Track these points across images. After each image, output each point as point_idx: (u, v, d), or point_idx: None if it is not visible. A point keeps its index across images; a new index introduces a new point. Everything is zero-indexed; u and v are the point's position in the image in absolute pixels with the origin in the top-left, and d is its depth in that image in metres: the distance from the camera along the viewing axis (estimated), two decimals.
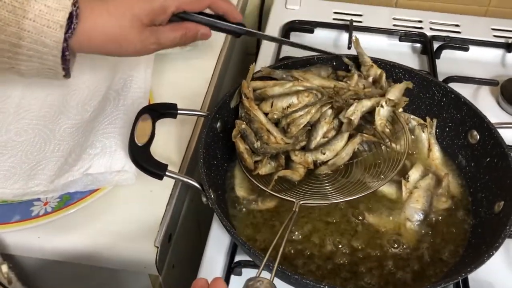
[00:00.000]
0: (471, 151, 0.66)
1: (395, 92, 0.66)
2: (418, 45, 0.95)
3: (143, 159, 0.56)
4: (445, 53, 0.93)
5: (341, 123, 0.64)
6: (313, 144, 0.64)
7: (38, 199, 0.61)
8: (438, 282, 0.50)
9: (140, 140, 0.57)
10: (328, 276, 0.56)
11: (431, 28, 0.99)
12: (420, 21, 1.01)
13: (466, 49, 0.92)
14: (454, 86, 0.84)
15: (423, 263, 0.58)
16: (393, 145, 0.66)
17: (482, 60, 0.94)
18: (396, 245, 0.59)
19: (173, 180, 0.65)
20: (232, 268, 0.60)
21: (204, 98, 0.76)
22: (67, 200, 0.61)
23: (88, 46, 0.56)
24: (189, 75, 0.80)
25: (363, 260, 0.57)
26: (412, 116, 0.71)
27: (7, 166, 0.64)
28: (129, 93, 0.69)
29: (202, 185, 0.57)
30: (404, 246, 0.59)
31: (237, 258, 0.61)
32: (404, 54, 0.95)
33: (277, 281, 0.48)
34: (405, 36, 0.95)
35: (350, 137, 0.64)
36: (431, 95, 0.70)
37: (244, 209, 0.62)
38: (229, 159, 0.67)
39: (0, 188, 0.61)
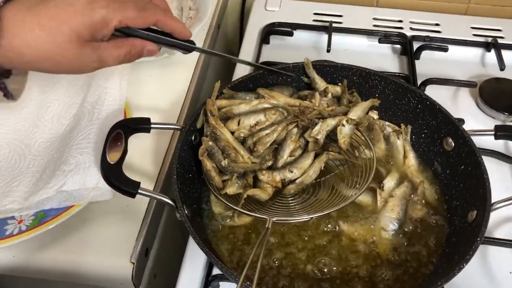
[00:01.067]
0: (446, 158, 0.66)
1: (358, 111, 0.67)
2: (398, 45, 0.95)
3: (115, 177, 0.55)
4: (425, 53, 0.93)
5: (307, 142, 0.64)
6: (280, 163, 0.63)
7: (13, 217, 0.61)
8: None
9: (112, 158, 0.57)
10: None
11: (411, 28, 0.99)
12: (401, 21, 1.01)
13: (445, 50, 0.92)
14: (433, 88, 0.85)
15: (397, 273, 0.58)
16: (366, 153, 0.66)
17: (462, 60, 0.94)
18: (370, 255, 0.60)
19: None
20: (209, 281, 0.60)
21: (181, 108, 0.76)
22: (42, 217, 0.61)
23: (21, 63, 0.51)
24: (166, 85, 0.79)
25: (336, 272, 0.58)
26: (387, 123, 0.71)
27: None
28: (103, 106, 0.69)
29: (175, 202, 0.57)
30: (378, 256, 0.60)
31: (215, 271, 0.61)
32: (384, 55, 0.95)
33: None
34: (384, 38, 0.94)
35: (317, 155, 0.64)
36: (407, 102, 0.70)
37: (221, 224, 0.63)
38: None
39: None
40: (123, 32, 0.54)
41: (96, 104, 0.70)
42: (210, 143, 0.62)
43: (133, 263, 0.59)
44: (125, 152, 0.58)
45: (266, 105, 0.64)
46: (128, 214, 0.63)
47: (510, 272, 0.63)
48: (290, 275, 0.58)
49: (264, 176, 0.62)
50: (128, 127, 0.60)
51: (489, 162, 0.73)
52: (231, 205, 0.60)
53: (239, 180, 0.62)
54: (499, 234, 0.66)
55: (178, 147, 0.61)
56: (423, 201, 0.65)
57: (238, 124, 0.64)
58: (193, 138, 0.65)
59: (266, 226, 0.56)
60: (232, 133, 0.64)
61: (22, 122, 0.71)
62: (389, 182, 0.65)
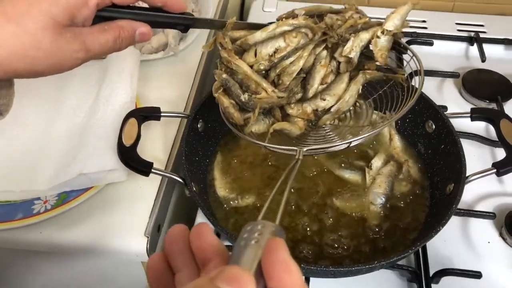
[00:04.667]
0: (428, 139, 0.73)
1: (394, 19, 0.57)
2: None
3: (131, 158, 0.62)
4: (412, 47, 0.99)
5: (339, 64, 0.56)
6: (310, 93, 0.55)
7: (38, 198, 0.68)
8: (391, 256, 0.57)
9: (127, 142, 0.63)
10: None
11: None
12: None
13: (431, 44, 0.99)
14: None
15: (385, 241, 0.65)
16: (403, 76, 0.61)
17: (447, 53, 1.01)
18: (361, 226, 0.66)
19: (160, 177, 0.71)
20: None
21: (186, 101, 0.83)
22: (65, 198, 0.67)
23: None
24: (173, 79, 0.86)
25: (329, 238, 0.65)
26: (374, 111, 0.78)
27: (10, 169, 0.71)
28: (117, 99, 0.75)
29: (184, 180, 0.64)
30: (368, 227, 0.66)
31: None
32: None
33: None
34: None
35: (352, 78, 0.56)
36: (392, 90, 0.77)
37: (225, 206, 0.69)
38: (210, 155, 0.74)
39: (5, 190, 0.68)
40: (108, 16, 0.47)
41: (110, 97, 0.76)
42: (224, 75, 0.54)
43: (147, 237, 0.66)
44: (138, 136, 0.65)
45: (286, 28, 0.54)
46: (141, 194, 0.70)
47: (488, 242, 0.70)
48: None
49: (293, 110, 0.55)
50: (141, 115, 0.67)
51: (470, 145, 0.81)
52: (257, 141, 0.54)
53: (265, 117, 0.55)
54: (479, 208, 0.73)
55: (185, 132, 0.68)
56: (408, 178, 0.71)
57: (256, 55, 0.54)
58: (198, 125, 0.72)
59: (297, 157, 0.49)
60: (251, 67, 0.55)
61: (43, 115, 0.79)
62: (377, 162, 0.72)
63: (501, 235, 0.70)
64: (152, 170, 0.62)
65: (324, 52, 0.56)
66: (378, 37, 0.56)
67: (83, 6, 0.44)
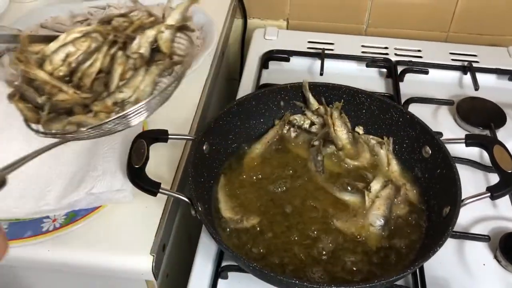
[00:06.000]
0: (425, 164, 0.76)
1: (175, 15, 0.64)
2: (384, 69, 1.06)
3: (139, 179, 0.65)
4: (408, 76, 1.04)
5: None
6: (111, 89, 0.61)
7: (47, 217, 0.69)
8: (390, 276, 0.59)
9: (136, 163, 0.66)
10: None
11: (396, 54, 1.10)
12: (386, 48, 1.12)
13: (426, 73, 1.03)
14: (415, 106, 0.95)
15: (384, 261, 0.67)
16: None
17: (442, 82, 1.04)
18: (361, 247, 0.68)
19: (166, 197, 0.73)
20: (219, 272, 0.69)
21: (192, 122, 0.86)
22: (73, 217, 0.69)
23: None
24: (178, 103, 0.89)
25: (329, 256, 0.67)
26: (371, 137, 0.82)
27: (19, 189, 0.72)
28: None
29: (191, 200, 0.66)
30: (368, 247, 0.68)
31: (224, 263, 0.70)
32: (371, 78, 1.06)
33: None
34: (371, 63, 1.05)
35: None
36: (390, 116, 0.80)
37: (230, 228, 0.70)
38: (214, 177, 0.76)
39: (14, 208, 0.70)
40: None
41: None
42: (16, 83, 0.59)
43: (153, 256, 0.67)
44: (147, 158, 0.67)
45: (75, 35, 0.61)
46: (147, 214, 0.72)
47: (484, 264, 0.72)
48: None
49: (97, 107, 0.59)
50: (149, 137, 0.70)
51: (465, 170, 0.84)
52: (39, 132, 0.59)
53: (68, 116, 0.59)
54: (474, 231, 0.75)
55: (192, 154, 0.71)
56: (406, 201, 0.74)
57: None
58: (204, 148, 0.75)
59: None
60: (52, 74, 0.60)
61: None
62: (375, 185, 0.74)
63: (496, 257, 0.72)
64: (160, 190, 0.64)
65: (120, 52, 0.62)
66: (162, 31, 0.63)
67: None
